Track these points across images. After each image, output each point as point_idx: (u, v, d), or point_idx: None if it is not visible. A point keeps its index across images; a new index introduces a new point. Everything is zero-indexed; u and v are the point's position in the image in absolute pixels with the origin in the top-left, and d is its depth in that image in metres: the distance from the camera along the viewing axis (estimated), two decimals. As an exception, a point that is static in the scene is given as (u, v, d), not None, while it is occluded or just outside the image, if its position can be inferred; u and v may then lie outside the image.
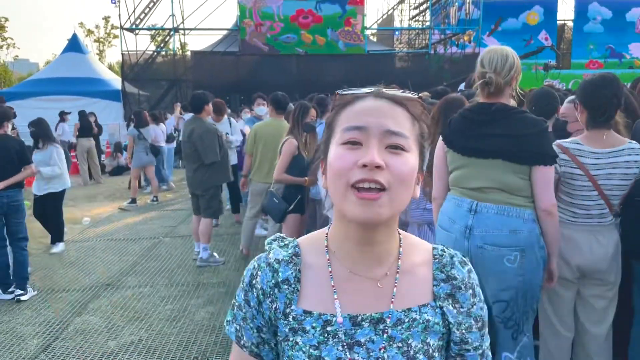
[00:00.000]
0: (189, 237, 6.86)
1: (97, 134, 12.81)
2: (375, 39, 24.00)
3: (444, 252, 0.99)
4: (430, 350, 0.92)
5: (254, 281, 0.96)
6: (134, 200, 9.31)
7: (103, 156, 14.01)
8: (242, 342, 0.97)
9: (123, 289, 5.18)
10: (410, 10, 24.53)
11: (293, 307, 0.93)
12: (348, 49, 18.27)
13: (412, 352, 0.91)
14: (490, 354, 1.01)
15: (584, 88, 2.63)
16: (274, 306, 0.93)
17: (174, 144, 11.79)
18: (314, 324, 0.91)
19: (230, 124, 7.44)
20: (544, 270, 2.44)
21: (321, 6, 17.90)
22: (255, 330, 0.96)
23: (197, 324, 4.30)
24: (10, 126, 5.35)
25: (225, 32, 19.54)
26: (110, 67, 34.42)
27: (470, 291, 0.97)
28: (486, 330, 1.00)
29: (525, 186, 2.38)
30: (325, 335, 0.90)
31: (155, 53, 19.15)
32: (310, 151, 4.45)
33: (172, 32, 18.42)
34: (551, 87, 5.94)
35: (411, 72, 19.50)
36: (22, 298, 4.86)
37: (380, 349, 0.90)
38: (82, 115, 12.31)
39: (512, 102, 2.57)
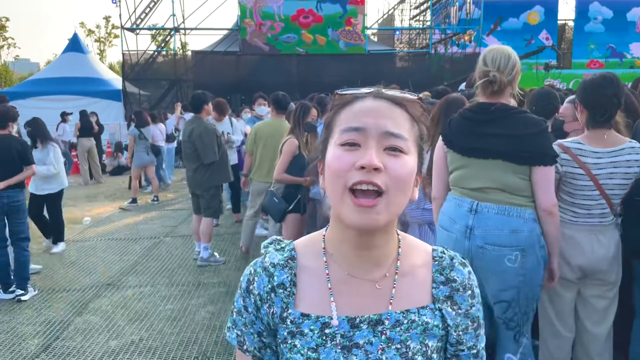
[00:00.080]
0: (189, 236, 6.86)
1: (98, 133, 12.82)
2: (375, 39, 23.97)
3: (444, 254, 0.98)
4: (429, 352, 0.92)
5: (250, 287, 0.95)
6: (134, 200, 9.32)
7: (104, 156, 14.02)
8: (244, 347, 0.97)
9: (124, 288, 5.18)
10: (410, 10, 24.55)
11: (290, 310, 0.92)
12: (349, 48, 18.26)
13: (410, 354, 0.90)
14: (484, 354, 1.00)
15: (584, 88, 2.63)
16: (272, 311, 0.93)
17: (175, 144, 11.80)
18: (312, 327, 0.91)
19: (231, 123, 7.45)
20: (544, 270, 2.44)
21: (322, 6, 17.88)
22: (256, 336, 0.96)
23: (198, 324, 4.30)
24: (15, 127, 5.35)
25: (225, 31, 19.53)
26: (111, 67, 34.40)
27: (469, 292, 0.96)
28: (482, 330, 0.99)
29: (526, 186, 2.37)
30: (324, 337, 0.90)
31: (156, 53, 19.15)
32: (311, 151, 4.45)
33: (172, 32, 18.41)
34: (552, 87, 5.93)
35: (412, 71, 19.51)
36: (22, 298, 4.87)
37: (378, 351, 0.89)
38: (83, 115, 12.33)
39: (513, 102, 2.57)
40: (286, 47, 18.08)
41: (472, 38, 19.21)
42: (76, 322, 4.41)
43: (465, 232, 2.41)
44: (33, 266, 5.60)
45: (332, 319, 0.90)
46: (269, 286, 0.93)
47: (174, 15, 17.89)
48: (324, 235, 0.98)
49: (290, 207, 4.43)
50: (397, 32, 25.20)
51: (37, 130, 5.89)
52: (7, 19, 46.83)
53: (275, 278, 0.94)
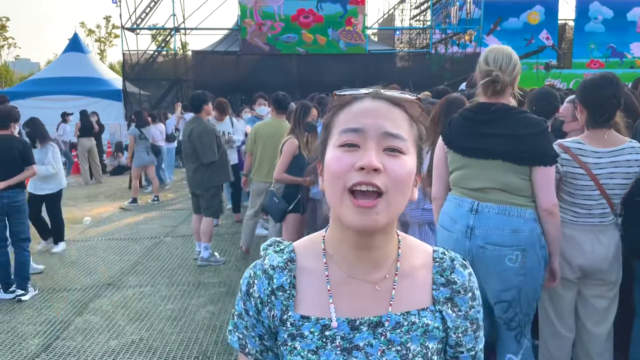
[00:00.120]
0: (189, 236, 6.86)
1: (98, 133, 12.83)
2: (376, 39, 23.96)
3: (445, 255, 0.98)
4: (429, 353, 0.92)
5: (250, 290, 0.95)
6: (134, 200, 9.32)
7: (104, 156, 14.03)
8: (246, 350, 0.97)
9: (124, 288, 5.18)
10: (411, 9, 24.55)
11: (290, 313, 0.92)
12: (349, 48, 18.25)
13: (410, 356, 0.90)
14: (482, 356, 1.00)
15: (584, 88, 2.63)
16: (272, 314, 0.93)
17: (175, 144, 11.81)
18: (312, 329, 0.90)
19: (232, 123, 7.46)
20: (545, 269, 2.44)
21: (322, 6, 17.88)
22: (257, 339, 0.95)
23: (198, 324, 4.30)
24: (17, 128, 5.36)
25: (226, 31, 19.54)
26: (111, 67, 34.41)
27: (470, 294, 0.96)
28: (481, 332, 0.99)
29: (526, 186, 2.37)
30: (324, 340, 0.90)
31: (156, 53, 19.15)
32: (311, 151, 4.45)
33: (173, 32, 18.41)
34: (552, 86, 5.93)
35: (412, 71, 19.50)
36: (22, 298, 4.87)
37: (378, 353, 0.89)
38: (83, 114, 12.33)
39: (513, 102, 2.57)
40: (286, 47, 18.08)
41: (473, 38, 19.20)
42: (76, 321, 4.42)
43: (466, 232, 2.41)
44: (36, 266, 5.61)
45: (331, 321, 0.90)
46: (269, 289, 0.93)
47: (174, 15, 17.91)
48: (324, 237, 0.97)
49: (291, 207, 4.43)
50: (398, 32, 25.19)
51: (36, 131, 5.89)
52: (8, 19, 46.91)
53: (274, 280, 0.93)
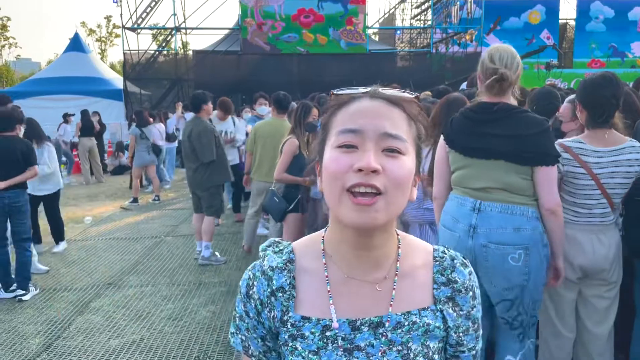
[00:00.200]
0: (190, 236, 6.86)
1: (99, 132, 12.84)
2: (376, 38, 23.95)
3: (445, 254, 0.97)
4: (430, 353, 0.91)
5: (250, 291, 0.94)
6: (135, 200, 9.33)
7: (105, 155, 14.03)
8: (250, 352, 0.97)
9: (125, 288, 5.18)
10: (411, 9, 24.53)
11: (291, 314, 0.91)
12: (350, 48, 18.25)
13: (412, 356, 0.90)
14: (481, 354, 1.01)
15: (583, 87, 2.63)
16: (272, 315, 0.92)
17: (176, 144, 11.81)
18: (312, 330, 0.90)
19: (234, 122, 7.46)
20: (547, 268, 2.43)
21: (323, 5, 17.88)
22: (259, 340, 0.95)
23: (199, 323, 4.30)
24: (22, 129, 5.37)
25: (226, 31, 19.54)
26: (112, 67, 34.40)
27: (471, 293, 0.96)
28: (481, 332, 0.99)
29: (528, 186, 2.37)
30: (325, 340, 0.89)
31: (157, 52, 19.15)
32: (312, 151, 4.44)
33: (173, 32, 18.41)
34: (553, 86, 5.92)
35: (413, 71, 19.48)
36: (23, 298, 4.87)
37: (380, 353, 0.89)
38: (84, 114, 12.33)
39: (513, 102, 2.56)
40: (287, 46, 18.07)
41: (474, 37, 19.18)
42: (77, 321, 4.42)
43: (469, 231, 2.40)
44: (40, 267, 5.62)
45: (332, 321, 0.90)
46: (269, 290, 0.93)
47: (175, 14, 17.91)
48: (323, 237, 0.97)
49: (291, 207, 4.43)
50: (398, 32, 25.18)
51: (32, 131, 5.88)
52: (9, 19, 46.96)
53: (274, 282, 0.93)
